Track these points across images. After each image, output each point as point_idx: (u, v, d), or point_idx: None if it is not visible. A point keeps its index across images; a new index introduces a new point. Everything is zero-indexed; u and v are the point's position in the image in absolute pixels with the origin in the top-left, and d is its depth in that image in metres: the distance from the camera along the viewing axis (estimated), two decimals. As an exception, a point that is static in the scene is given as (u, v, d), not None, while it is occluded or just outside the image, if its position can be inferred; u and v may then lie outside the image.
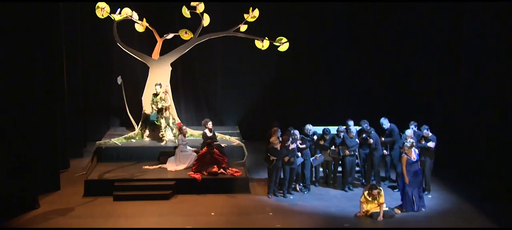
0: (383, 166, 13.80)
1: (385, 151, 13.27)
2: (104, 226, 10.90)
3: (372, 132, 13.10)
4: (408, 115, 15.10)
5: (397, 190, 12.81)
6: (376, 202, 11.34)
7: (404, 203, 11.77)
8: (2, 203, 11.37)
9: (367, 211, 11.42)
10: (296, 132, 12.77)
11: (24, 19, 11.61)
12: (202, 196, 12.57)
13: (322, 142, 13.18)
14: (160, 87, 14.87)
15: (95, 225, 10.95)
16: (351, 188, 13.12)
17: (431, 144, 12.48)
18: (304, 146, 12.82)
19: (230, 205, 12.13)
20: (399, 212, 11.69)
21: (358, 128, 13.41)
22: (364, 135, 13.12)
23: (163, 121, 14.93)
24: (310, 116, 16.21)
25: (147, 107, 15.26)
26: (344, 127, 13.12)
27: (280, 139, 12.52)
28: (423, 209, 11.77)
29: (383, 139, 13.23)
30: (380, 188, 11.46)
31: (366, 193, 11.41)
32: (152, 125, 15.25)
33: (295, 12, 17.52)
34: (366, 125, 13.29)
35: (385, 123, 13.32)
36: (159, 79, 15.28)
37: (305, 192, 12.89)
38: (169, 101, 15.14)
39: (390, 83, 17.83)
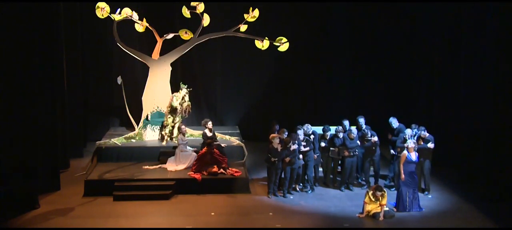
0: (386, 165, 13.79)
1: (392, 151, 13.25)
2: (104, 226, 10.89)
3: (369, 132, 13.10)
4: (408, 114, 15.12)
5: (393, 189, 12.82)
6: (378, 203, 11.34)
7: (398, 203, 11.79)
8: (2, 203, 11.36)
9: (369, 211, 11.42)
10: (300, 133, 12.73)
11: (24, 19, 11.61)
12: (202, 196, 12.56)
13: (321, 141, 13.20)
14: (186, 88, 14.82)
15: (95, 225, 10.94)
16: (351, 188, 13.09)
17: (431, 145, 12.48)
18: (307, 148, 12.79)
19: (230, 205, 12.13)
20: (395, 210, 11.72)
21: (363, 126, 13.37)
22: (369, 135, 13.02)
23: (170, 121, 14.88)
24: (310, 116, 16.22)
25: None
26: (341, 127, 13.12)
27: (283, 139, 12.49)
28: (415, 210, 11.73)
29: (391, 138, 13.22)
30: (384, 190, 11.46)
31: (370, 193, 11.42)
32: (160, 125, 15.21)
33: (295, 12, 17.52)
34: (362, 119, 13.31)
35: (394, 122, 13.32)
36: (159, 79, 15.29)
37: (309, 192, 12.87)
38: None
39: (390, 83, 17.84)
